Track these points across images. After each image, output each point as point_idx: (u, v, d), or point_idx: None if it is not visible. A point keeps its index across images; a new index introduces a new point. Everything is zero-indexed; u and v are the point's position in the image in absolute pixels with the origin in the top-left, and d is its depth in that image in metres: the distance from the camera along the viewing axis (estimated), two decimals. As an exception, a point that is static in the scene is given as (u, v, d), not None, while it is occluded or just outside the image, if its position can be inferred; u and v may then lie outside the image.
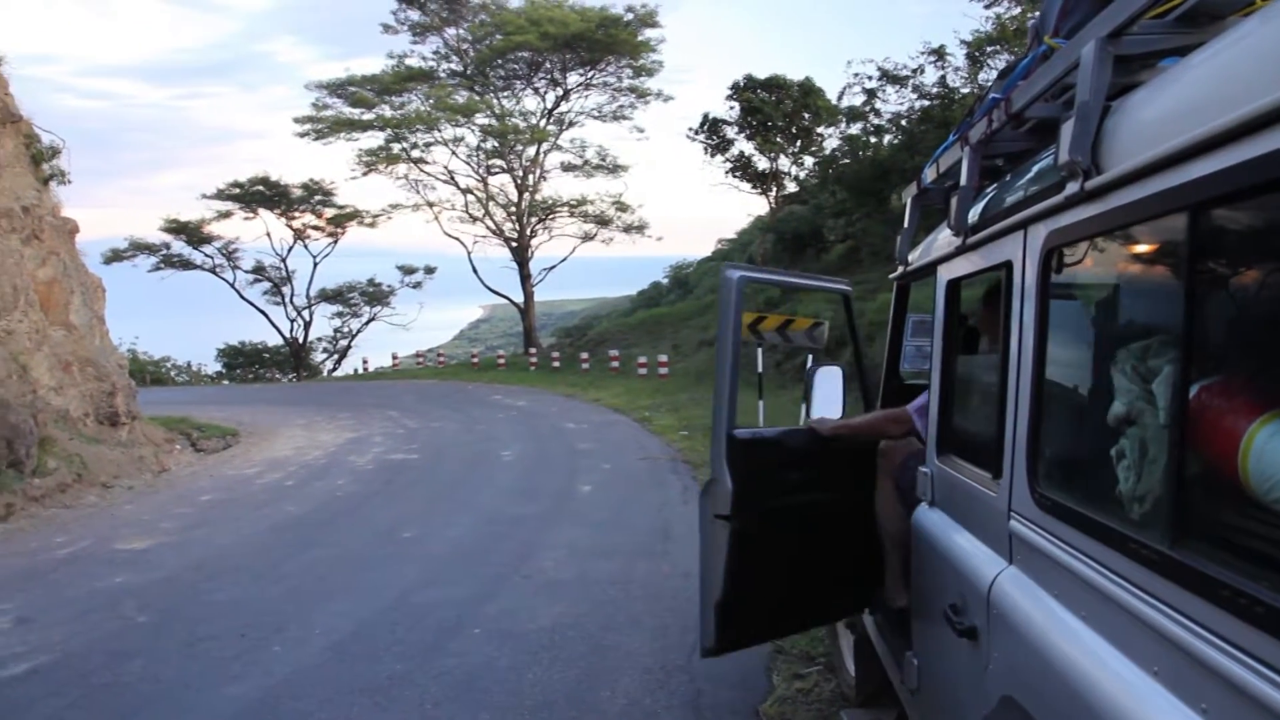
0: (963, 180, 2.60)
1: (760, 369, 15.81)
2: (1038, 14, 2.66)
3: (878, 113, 24.11)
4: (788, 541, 3.59)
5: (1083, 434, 1.97)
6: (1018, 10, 21.27)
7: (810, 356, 14.96)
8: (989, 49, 20.96)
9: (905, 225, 3.55)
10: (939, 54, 21.91)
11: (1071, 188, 1.80)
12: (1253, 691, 1.23)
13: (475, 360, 37.48)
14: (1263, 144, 1.23)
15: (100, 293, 15.78)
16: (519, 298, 38.44)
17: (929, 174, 3.19)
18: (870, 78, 23.52)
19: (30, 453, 10.84)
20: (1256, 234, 1.38)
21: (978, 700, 2.19)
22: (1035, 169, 2.25)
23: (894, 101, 23.68)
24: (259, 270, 42.18)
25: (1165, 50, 1.71)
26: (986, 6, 21.96)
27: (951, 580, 2.47)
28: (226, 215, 39.96)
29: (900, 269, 3.67)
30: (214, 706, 4.66)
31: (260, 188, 39.48)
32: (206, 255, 41.10)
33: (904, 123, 23.01)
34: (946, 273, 2.92)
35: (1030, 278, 2.10)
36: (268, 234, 41.29)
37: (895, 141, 23.23)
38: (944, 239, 2.99)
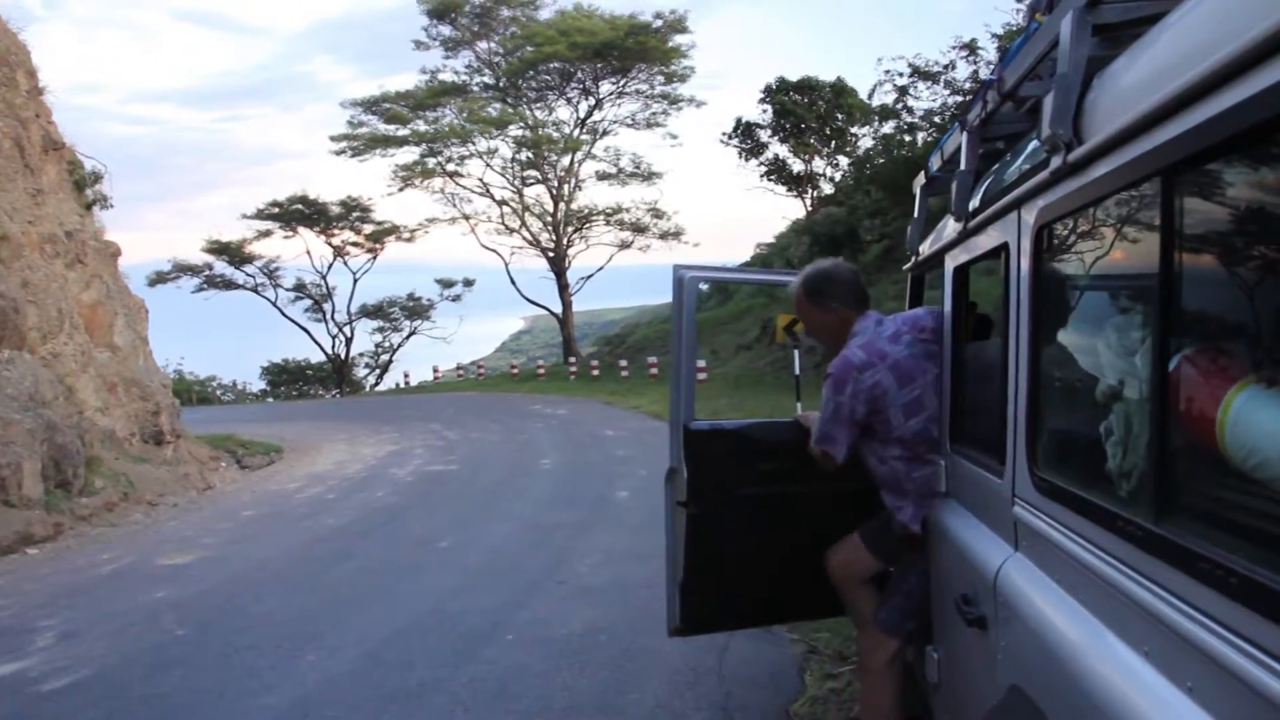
0: (961, 165, 2.57)
1: (798, 371, 15.75)
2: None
3: (910, 110, 23.92)
4: (753, 529, 3.73)
5: (1076, 414, 1.93)
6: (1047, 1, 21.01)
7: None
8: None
9: (914, 215, 3.52)
10: (970, 48, 21.69)
11: (1055, 162, 1.77)
12: (1233, 668, 1.19)
13: (515, 371, 37.66)
14: (1229, 97, 1.20)
15: (143, 314, 16.05)
16: (558, 308, 38.58)
17: (935, 162, 3.16)
18: (901, 75, 23.36)
19: (78, 473, 11.04)
20: (1230, 195, 1.34)
21: (990, 691, 2.16)
22: (1028, 148, 2.22)
23: (926, 98, 23.50)
24: (300, 288, 42.78)
25: (1145, 18, 1.67)
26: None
27: (963, 570, 2.43)
28: (267, 234, 40.64)
29: (912, 260, 3.63)
30: (247, 715, 4.70)
31: (299, 206, 40.05)
32: (248, 275, 41.78)
33: (937, 119, 22.79)
34: (952, 260, 2.88)
35: (1024, 259, 2.06)
36: (308, 252, 41.91)
37: (929, 139, 23.02)
38: (951, 227, 2.96)
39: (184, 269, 40.19)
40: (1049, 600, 1.86)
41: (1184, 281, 1.38)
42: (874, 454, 3.16)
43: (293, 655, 5.53)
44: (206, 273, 40.78)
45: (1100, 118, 1.64)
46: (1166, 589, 1.38)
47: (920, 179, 3.41)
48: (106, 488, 11.50)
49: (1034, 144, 2.17)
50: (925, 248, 3.45)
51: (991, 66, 21.52)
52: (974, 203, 2.58)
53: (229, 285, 41.73)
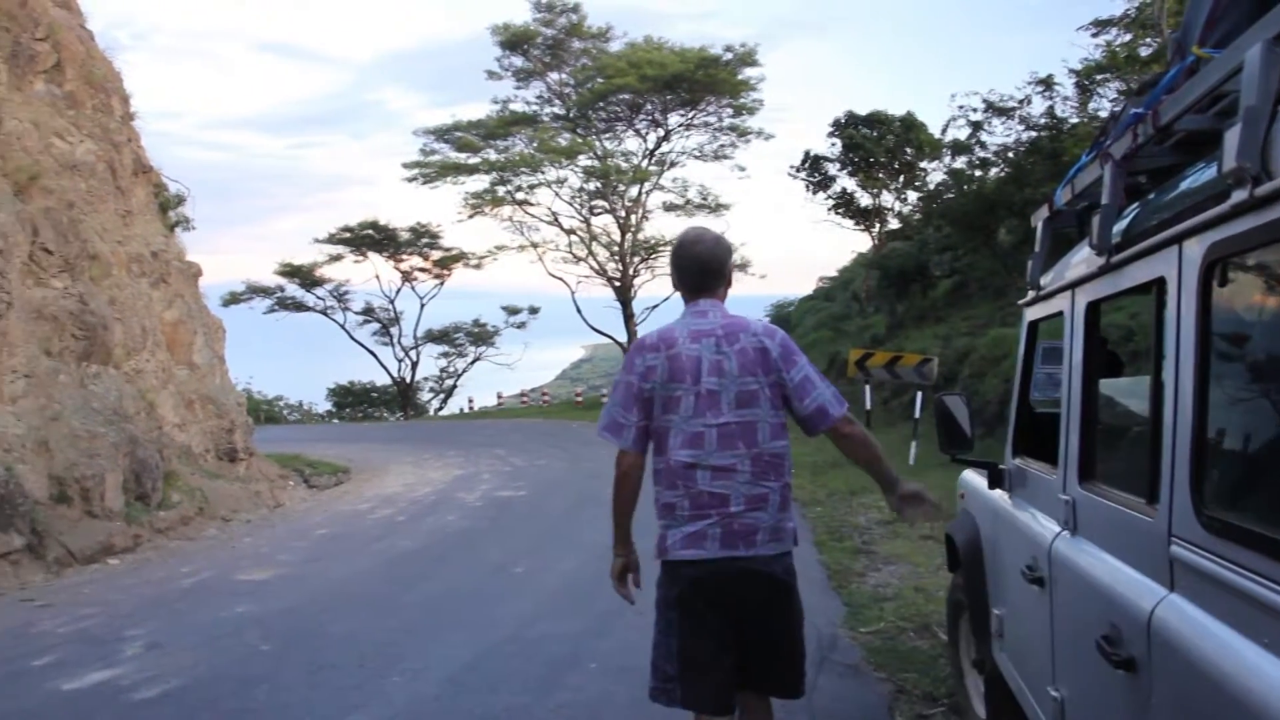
0: (1105, 198, 2.53)
1: (868, 406, 15.63)
2: (1175, 30, 2.59)
3: (983, 145, 23.67)
4: None
5: (1258, 452, 1.88)
6: (1128, 37, 20.74)
7: (920, 393, 14.74)
8: (1099, 77, 20.43)
9: (1036, 250, 3.46)
10: (1046, 84, 21.44)
11: (1239, 196, 1.73)
12: None
13: (579, 399, 37.78)
14: None
15: (220, 333, 16.41)
16: (622, 337, 38.67)
17: (1063, 195, 3.12)
18: (975, 110, 23.16)
19: (156, 486, 11.27)
20: None
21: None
22: (1189, 181, 2.18)
23: (1000, 134, 23.26)
24: (368, 311, 43.44)
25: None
26: (1094, 35, 21.49)
27: (1103, 610, 2.37)
28: (337, 258, 41.34)
29: (1031, 294, 3.57)
30: (338, 734, 4.74)
31: (369, 232, 40.72)
32: (318, 297, 42.52)
33: (1010, 155, 22.54)
34: (1086, 294, 2.83)
35: (1188, 293, 2.02)
36: (376, 276, 42.66)
37: (1002, 174, 22.78)
38: (1081, 260, 2.91)
39: (257, 290, 41.04)
40: (1219, 644, 1.80)
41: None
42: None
43: (377, 676, 5.56)
44: (278, 294, 41.60)
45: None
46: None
47: (1043, 212, 3.36)
48: (183, 502, 11.73)
49: (1197, 175, 2.14)
50: (1047, 281, 3.40)
51: (1069, 102, 21.32)
52: (1115, 236, 2.54)
53: (299, 307, 42.50)
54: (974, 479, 4.33)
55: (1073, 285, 2.97)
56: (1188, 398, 2.00)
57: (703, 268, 3.28)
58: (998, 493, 3.82)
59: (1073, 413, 2.86)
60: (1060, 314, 3.15)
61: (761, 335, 3.17)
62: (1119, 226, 2.54)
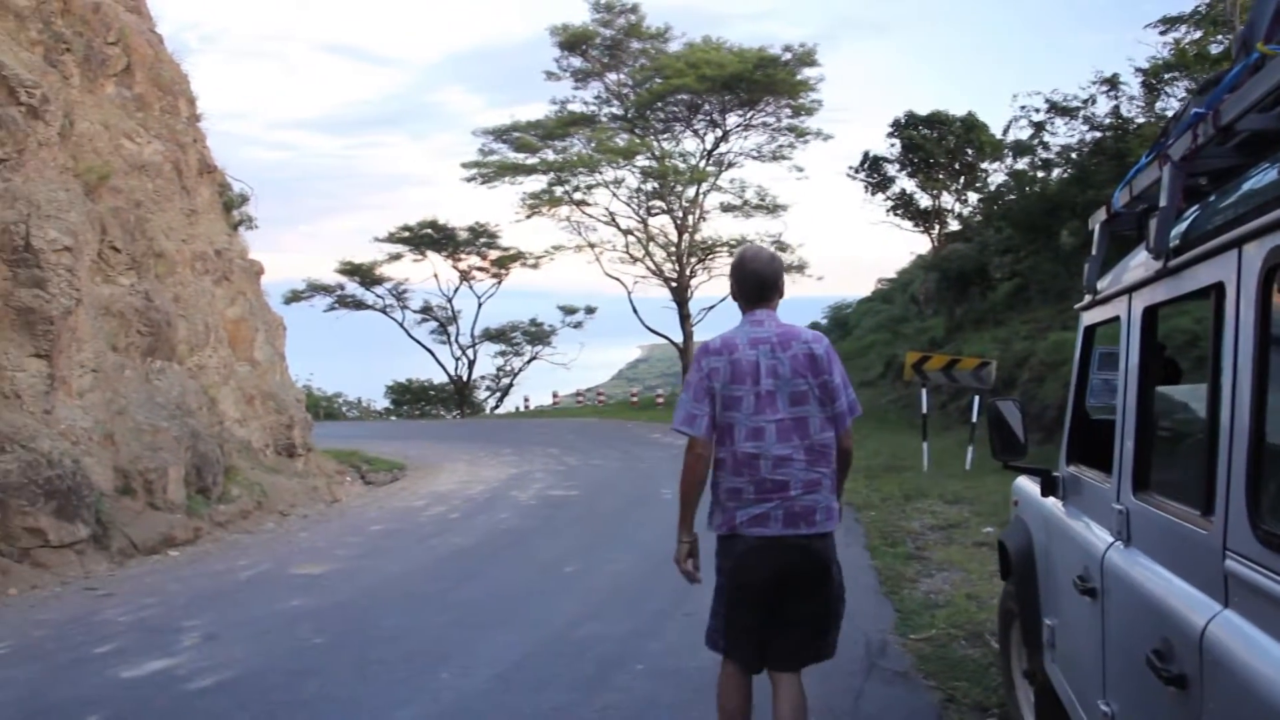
0: (1163, 200, 2.46)
1: (925, 410, 15.43)
2: (1241, 26, 2.51)
3: (1046, 146, 23.27)
4: None
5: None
6: (1198, 34, 20.25)
7: (977, 397, 14.54)
8: (1166, 76, 19.97)
9: (1093, 253, 3.38)
10: (1112, 83, 21.00)
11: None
12: None
13: (634, 399, 37.83)
14: None
15: (281, 330, 16.66)
16: (679, 338, 38.61)
17: (1121, 197, 3.04)
18: (1037, 110, 22.76)
19: (217, 480, 11.48)
20: None
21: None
22: (1251, 183, 2.11)
23: (1063, 134, 22.84)
24: (426, 310, 43.91)
25: None
26: (1163, 33, 21.01)
27: (1155, 624, 2.31)
28: (396, 258, 41.86)
29: (1088, 299, 3.49)
30: (386, 728, 4.78)
31: (428, 231, 41.16)
32: (377, 296, 43.09)
33: (1074, 156, 22.12)
34: (1143, 299, 2.76)
35: (1246, 298, 1.95)
36: (435, 275, 42.99)
37: (1064, 175, 22.37)
38: (1139, 264, 2.83)
39: (318, 288, 41.69)
40: (1274, 664, 1.74)
41: None
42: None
43: (425, 672, 5.60)
44: (338, 293, 42.23)
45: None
46: None
47: (1100, 215, 3.28)
48: (242, 496, 11.93)
49: (1260, 178, 2.07)
50: (1104, 286, 3.32)
51: (1135, 102, 20.86)
52: (1173, 239, 2.47)
53: (359, 305, 43.09)
54: (1027, 486, 4.25)
55: (1129, 290, 2.90)
56: (1245, 407, 1.93)
57: (760, 282, 3.74)
58: (1051, 500, 3.74)
59: (1128, 420, 2.79)
60: (1117, 319, 3.08)
61: (810, 342, 3.65)
62: (1177, 230, 2.47)
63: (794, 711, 3.59)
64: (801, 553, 3.54)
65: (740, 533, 3.55)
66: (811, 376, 3.58)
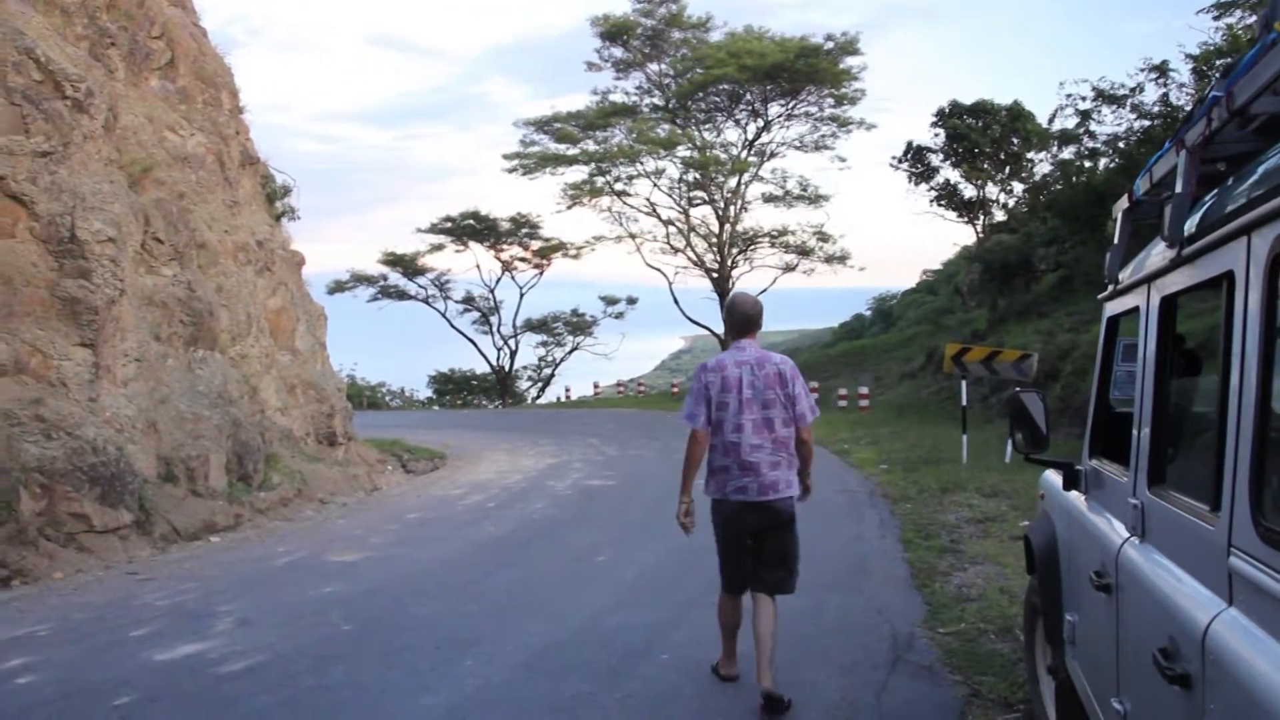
0: (1178, 187, 2.40)
1: (964, 402, 15.25)
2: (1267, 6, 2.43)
3: (1093, 135, 22.89)
4: None
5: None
6: (1252, 19, 19.76)
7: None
8: (1219, 63, 19.52)
9: (1115, 242, 3.32)
10: (1161, 70, 20.58)
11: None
12: None
13: (675, 390, 37.78)
14: None
15: (322, 320, 16.83)
16: (720, 329, 38.50)
17: (1142, 185, 2.97)
18: (1084, 98, 22.38)
19: (258, 468, 11.64)
20: None
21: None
22: (1262, 168, 2.05)
23: (1110, 123, 22.44)
24: (468, 300, 44.13)
25: None
26: (1215, 18, 20.54)
27: (1162, 622, 2.26)
28: (439, 248, 42.11)
29: (1110, 289, 3.42)
30: (408, 714, 4.82)
31: (471, 222, 41.34)
32: (420, 286, 43.39)
33: (1121, 145, 21.73)
34: (1159, 289, 2.70)
35: (1254, 287, 1.90)
36: (477, 266, 43.20)
37: (1112, 165, 21.99)
38: (1157, 253, 2.77)
39: (361, 279, 42.05)
40: (1277, 665, 1.69)
41: None
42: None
43: (451, 659, 5.64)
44: (381, 283, 42.56)
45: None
46: None
47: (1122, 203, 3.22)
48: (282, 484, 12.08)
49: (1269, 163, 2.01)
50: (1126, 276, 3.25)
51: (1185, 89, 20.44)
52: (1189, 228, 2.41)
53: (402, 296, 43.40)
54: (1053, 480, 4.19)
55: (1147, 279, 2.83)
56: (1251, 400, 1.88)
57: (745, 319, 5.06)
58: (1073, 494, 3.68)
59: (1144, 413, 2.73)
60: (1137, 309, 3.01)
61: (779, 364, 4.96)
62: (1193, 218, 2.41)
63: (768, 619, 4.88)
64: (770, 510, 4.92)
65: (728, 498, 4.95)
66: (779, 388, 4.89)
